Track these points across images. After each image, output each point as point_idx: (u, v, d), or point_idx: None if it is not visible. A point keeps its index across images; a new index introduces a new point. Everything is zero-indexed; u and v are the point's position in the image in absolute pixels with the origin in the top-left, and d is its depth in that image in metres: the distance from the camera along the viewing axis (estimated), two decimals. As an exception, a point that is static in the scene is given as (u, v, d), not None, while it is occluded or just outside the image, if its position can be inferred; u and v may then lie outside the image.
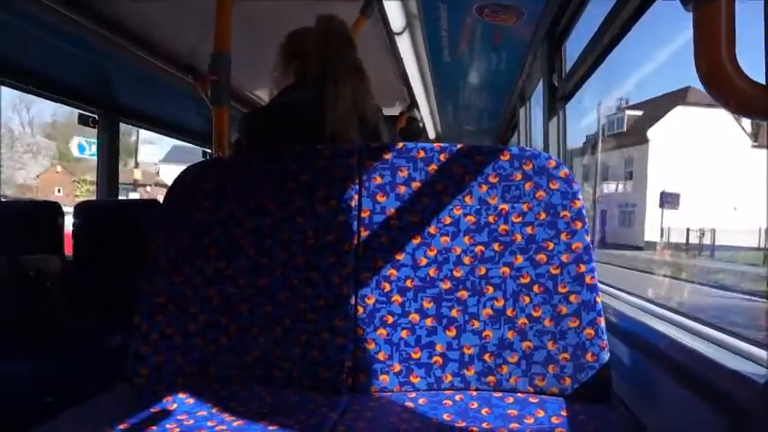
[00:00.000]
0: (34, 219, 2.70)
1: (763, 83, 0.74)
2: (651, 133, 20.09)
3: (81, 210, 2.88)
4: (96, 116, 3.32)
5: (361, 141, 1.49)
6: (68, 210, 3.01)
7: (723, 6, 0.68)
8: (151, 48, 2.75)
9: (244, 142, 1.60)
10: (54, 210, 2.84)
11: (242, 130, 1.60)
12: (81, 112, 3.29)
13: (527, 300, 1.17)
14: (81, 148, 11.75)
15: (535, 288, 1.17)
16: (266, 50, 1.73)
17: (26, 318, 1.99)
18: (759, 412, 0.80)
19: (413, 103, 4.41)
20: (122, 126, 3.54)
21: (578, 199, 1.19)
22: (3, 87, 2.89)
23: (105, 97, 3.32)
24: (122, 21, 2.47)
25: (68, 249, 2.86)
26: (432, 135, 6.02)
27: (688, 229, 16.54)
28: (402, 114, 4.26)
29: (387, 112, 1.64)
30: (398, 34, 3.01)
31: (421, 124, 5.05)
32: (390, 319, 1.21)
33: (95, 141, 3.38)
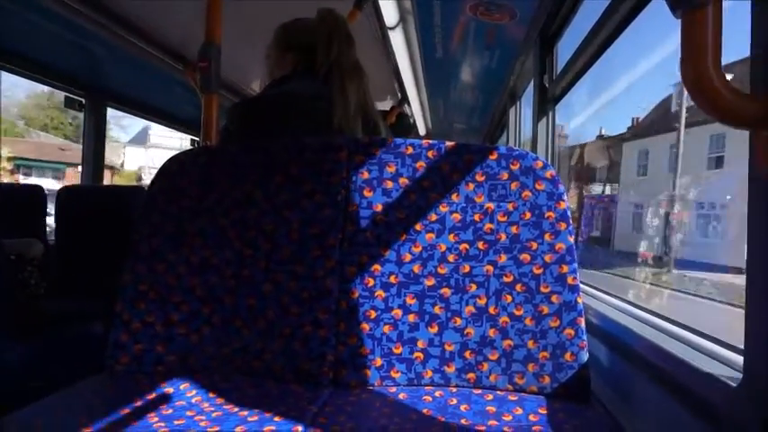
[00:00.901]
0: (16, 202, 2.67)
1: (748, 92, 0.75)
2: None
3: (64, 194, 2.84)
4: (83, 100, 3.28)
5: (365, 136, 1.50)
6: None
7: (710, 14, 0.69)
8: (142, 33, 2.72)
9: (232, 130, 1.58)
10: (37, 193, 2.81)
11: (233, 119, 1.59)
12: (67, 95, 3.25)
13: (509, 298, 1.18)
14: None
15: (518, 287, 1.18)
16: (256, 40, 1.72)
17: (6, 302, 1.97)
18: (733, 415, 0.82)
19: (404, 99, 4.41)
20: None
21: (563, 200, 1.20)
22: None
23: (93, 81, 3.28)
24: (113, 5, 2.44)
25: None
26: (422, 131, 6.03)
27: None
28: (393, 109, 4.26)
29: (377, 106, 1.64)
30: (391, 29, 3.01)
31: (411, 120, 5.05)
32: (373, 314, 1.21)
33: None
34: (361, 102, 1.54)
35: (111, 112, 3.51)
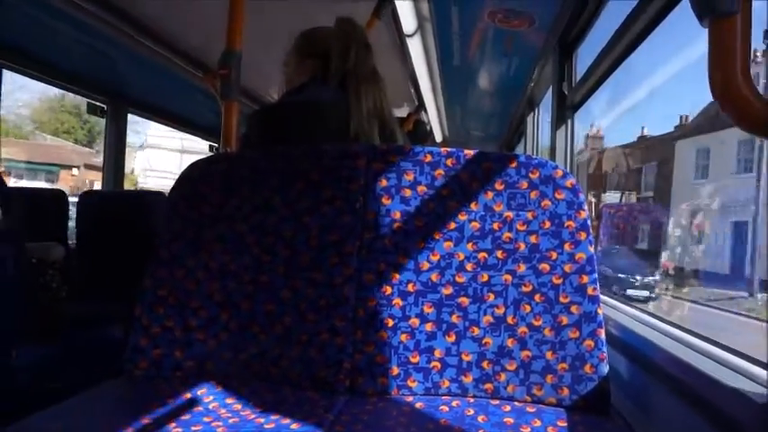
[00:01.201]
0: (39, 206, 2.71)
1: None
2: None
3: (86, 199, 2.89)
4: (105, 106, 3.34)
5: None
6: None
7: (739, 23, 0.68)
8: (163, 41, 2.76)
9: (251, 137, 1.59)
10: (60, 198, 2.85)
11: (252, 126, 1.60)
12: (89, 101, 3.31)
13: (528, 308, 1.17)
14: None
15: (536, 297, 1.17)
16: (277, 48, 1.74)
17: (28, 305, 2.00)
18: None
19: (420, 106, 4.41)
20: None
21: (583, 209, 1.19)
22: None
23: (114, 87, 3.34)
24: (135, 12, 2.48)
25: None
26: (438, 138, 6.03)
27: None
28: (409, 116, 4.27)
29: (394, 113, 1.65)
30: (409, 36, 3.02)
31: (428, 127, 5.05)
32: (390, 323, 1.20)
33: None
34: (378, 109, 1.54)
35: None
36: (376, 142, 1.51)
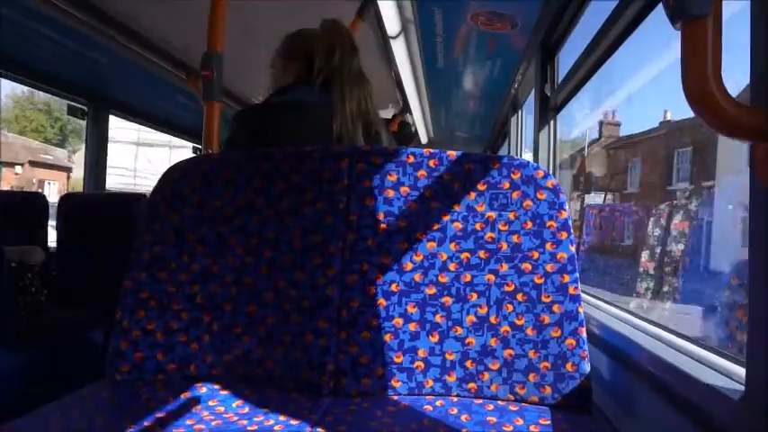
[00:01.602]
0: (18, 209, 2.67)
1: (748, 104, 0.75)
2: None
3: (66, 202, 2.85)
4: (86, 108, 3.30)
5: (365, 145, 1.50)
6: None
7: (710, 25, 0.69)
8: (145, 42, 2.74)
9: (237, 140, 1.58)
10: (39, 201, 2.81)
11: (236, 127, 1.59)
12: (71, 103, 3.27)
13: (510, 308, 1.18)
14: None
15: (519, 296, 1.18)
16: (259, 49, 1.73)
17: (6, 309, 1.97)
18: (735, 429, 0.81)
19: (405, 107, 4.42)
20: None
21: (564, 209, 1.20)
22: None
23: (96, 89, 3.30)
24: (116, 14, 2.46)
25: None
26: (424, 140, 6.04)
27: None
28: (394, 118, 4.28)
29: (380, 114, 1.66)
30: (393, 38, 3.02)
31: (413, 128, 5.07)
32: (374, 323, 1.21)
33: None
34: (362, 110, 1.55)
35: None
36: (360, 143, 1.51)
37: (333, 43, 1.56)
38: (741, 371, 0.90)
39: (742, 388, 0.83)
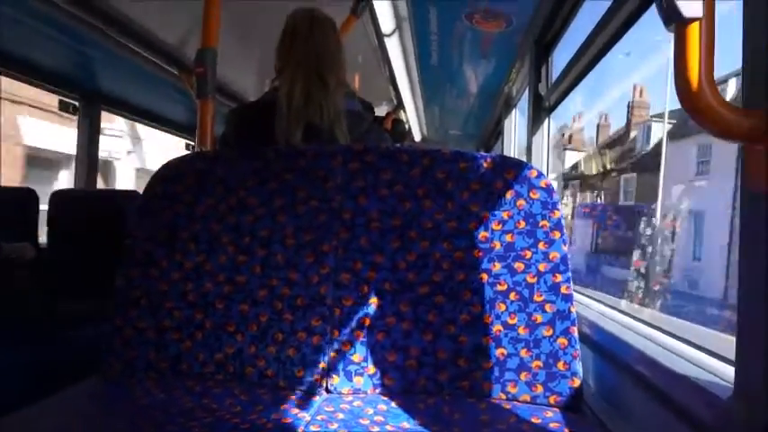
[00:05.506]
0: (8, 205, 2.65)
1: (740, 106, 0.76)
2: None
3: (57, 198, 2.83)
4: (77, 103, 3.27)
5: (349, 140, 1.48)
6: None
7: (703, 28, 0.69)
8: (138, 38, 2.71)
9: (230, 138, 1.57)
10: (30, 197, 2.79)
11: (230, 123, 1.58)
12: (62, 98, 3.24)
13: (503, 307, 1.18)
14: None
15: (512, 296, 1.18)
16: (253, 46, 1.72)
17: None
18: (724, 427, 0.82)
19: (399, 105, 4.42)
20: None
21: (558, 209, 1.20)
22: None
23: (87, 85, 3.27)
24: (108, 8, 2.44)
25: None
26: (417, 137, 6.05)
27: None
28: (388, 115, 4.27)
29: (373, 105, 1.64)
30: (387, 36, 3.02)
31: (407, 126, 5.06)
32: (367, 322, 1.21)
33: None
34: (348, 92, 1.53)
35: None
36: (344, 128, 1.47)
37: (296, 29, 1.54)
38: (730, 370, 0.91)
39: (731, 387, 0.84)
